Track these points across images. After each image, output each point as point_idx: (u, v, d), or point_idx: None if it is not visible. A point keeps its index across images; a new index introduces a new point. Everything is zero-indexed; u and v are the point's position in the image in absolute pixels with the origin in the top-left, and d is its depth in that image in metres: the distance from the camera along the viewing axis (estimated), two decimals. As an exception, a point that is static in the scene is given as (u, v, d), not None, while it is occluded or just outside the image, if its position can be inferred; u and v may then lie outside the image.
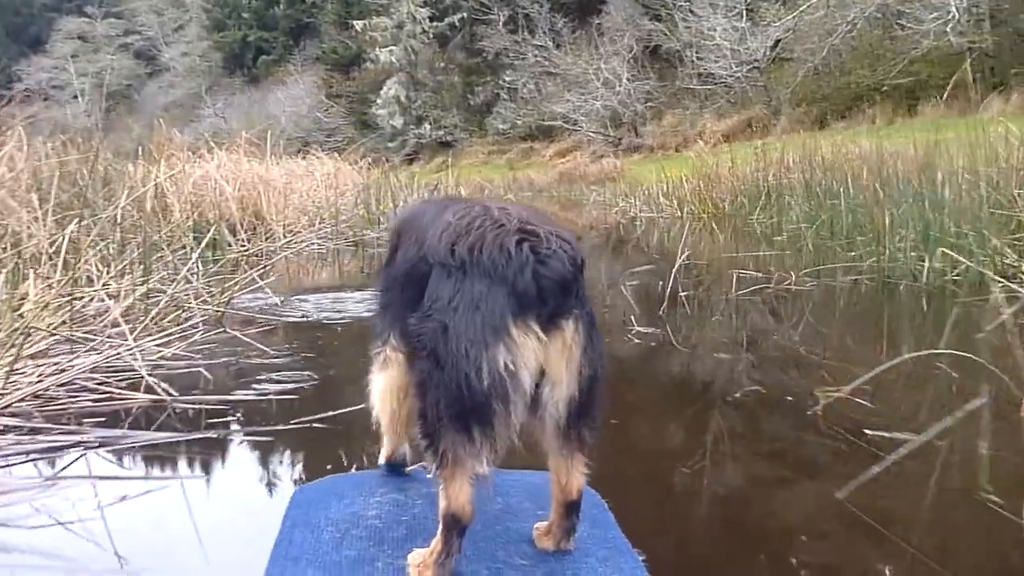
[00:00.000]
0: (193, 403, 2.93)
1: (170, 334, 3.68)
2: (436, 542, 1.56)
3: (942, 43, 22.09)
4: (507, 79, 37.37)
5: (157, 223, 5.70)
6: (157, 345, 3.45)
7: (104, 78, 52.04)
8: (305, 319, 4.57)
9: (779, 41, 27.86)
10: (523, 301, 1.44)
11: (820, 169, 8.19)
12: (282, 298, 4.99)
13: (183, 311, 4.10)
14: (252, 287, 4.97)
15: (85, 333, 3.43)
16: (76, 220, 4.29)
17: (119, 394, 2.91)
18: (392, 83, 41.89)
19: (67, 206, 5.14)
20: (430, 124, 40.82)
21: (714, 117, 29.90)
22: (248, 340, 3.76)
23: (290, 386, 3.13)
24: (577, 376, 1.49)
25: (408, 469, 2.12)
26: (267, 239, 7.56)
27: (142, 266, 4.27)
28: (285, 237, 7.85)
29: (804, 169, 8.49)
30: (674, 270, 4.85)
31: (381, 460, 2.11)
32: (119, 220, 4.69)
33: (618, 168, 26.81)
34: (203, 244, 4.91)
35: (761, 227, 9.02)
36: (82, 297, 3.76)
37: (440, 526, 1.54)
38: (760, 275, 5.50)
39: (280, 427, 2.68)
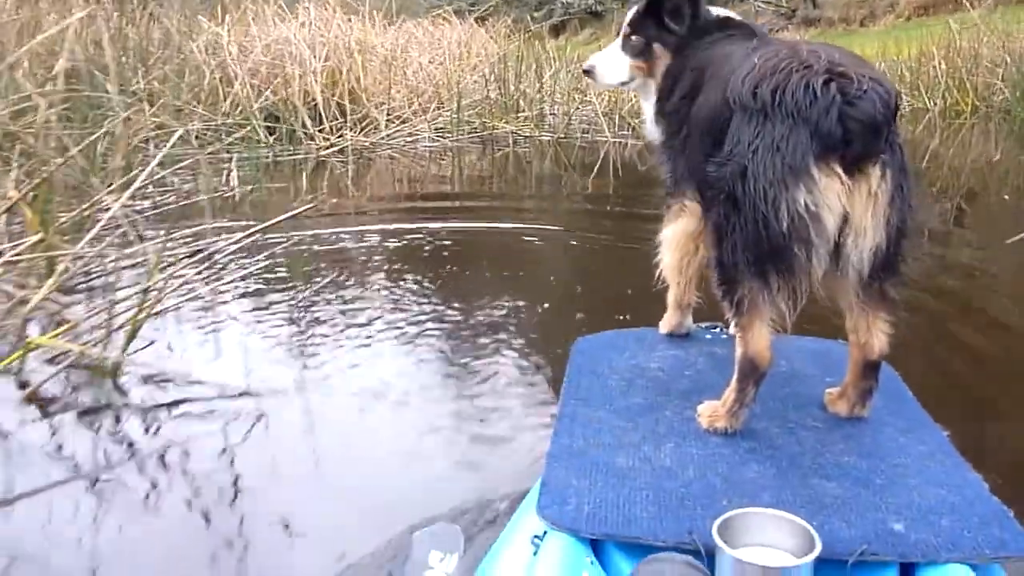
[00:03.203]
0: None
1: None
2: (730, 391, 1.55)
3: None
4: (666, -61, 33.56)
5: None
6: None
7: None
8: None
9: None
10: (826, 142, 1.36)
11: None
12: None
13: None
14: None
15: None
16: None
17: None
18: (538, -55, 38.78)
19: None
20: (578, -9, 37.75)
21: (910, -16, 25.94)
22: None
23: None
24: (884, 225, 1.41)
25: (687, 330, 2.06)
26: (362, 130, 5.49)
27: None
28: (386, 128, 5.72)
29: None
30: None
31: (663, 330, 2.05)
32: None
33: (801, 43, 23.49)
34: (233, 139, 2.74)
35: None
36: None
37: (736, 374, 1.54)
38: None
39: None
